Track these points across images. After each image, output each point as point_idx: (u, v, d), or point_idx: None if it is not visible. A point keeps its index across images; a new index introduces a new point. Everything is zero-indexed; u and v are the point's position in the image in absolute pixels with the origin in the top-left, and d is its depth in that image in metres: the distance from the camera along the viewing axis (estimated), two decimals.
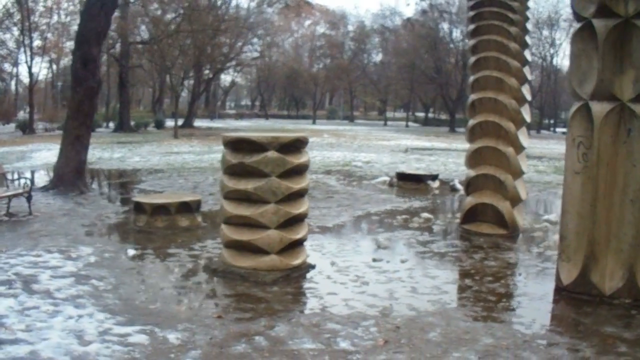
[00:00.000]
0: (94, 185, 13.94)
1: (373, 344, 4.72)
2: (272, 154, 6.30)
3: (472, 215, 9.41)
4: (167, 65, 32.40)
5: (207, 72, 43.05)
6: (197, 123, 46.04)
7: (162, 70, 37.72)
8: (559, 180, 14.35)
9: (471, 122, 9.44)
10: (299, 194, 6.65)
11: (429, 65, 53.49)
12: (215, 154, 22.12)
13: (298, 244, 6.74)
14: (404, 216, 10.41)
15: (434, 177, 14.82)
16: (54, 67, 57.34)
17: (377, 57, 68.15)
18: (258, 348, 4.57)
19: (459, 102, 55.07)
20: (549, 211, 11.99)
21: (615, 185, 5.97)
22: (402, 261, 7.38)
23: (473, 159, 9.40)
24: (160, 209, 8.72)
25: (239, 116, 70.06)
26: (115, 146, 25.36)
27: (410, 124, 62.20)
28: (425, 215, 10.37)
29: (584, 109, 6.05)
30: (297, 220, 6.67)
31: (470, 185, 9.44)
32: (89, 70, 11.84)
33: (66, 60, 54.44)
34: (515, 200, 9.31)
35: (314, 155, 22.20)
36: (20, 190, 9.99)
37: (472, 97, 9.44)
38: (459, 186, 14.09)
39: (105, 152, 21.89)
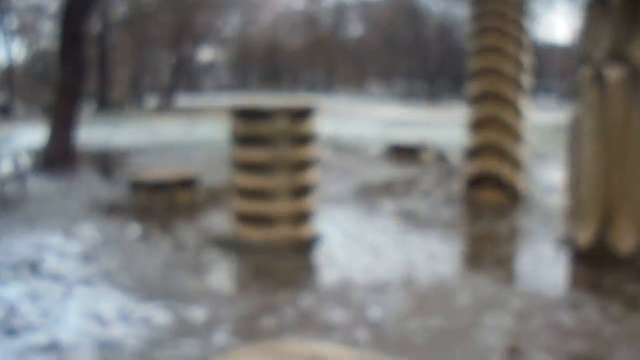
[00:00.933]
0: (85, 165, 13.53)
1: (404, 311, 4.58)
2: (282, 122, 6.06)
3: (474, 182, 9.27)
4: (150, 43, 31.64)
5: (187, 49, 42.22)
6: (178, 99, 45.29)
7: (144, 47, 36.92)
8: (547, 149, 14.34)
9: (473, 89, 9.26)
10: (310, 163, 6.44)
11: (409, 37, 53.18)
12: (203, 129, 21.74)
13: (309, 214, 6.54)
14: (404, 185, 10.27)
15: (425, 148, 14.67)
16: (33, 49, 55.80)
17: (357, 32, 67.55)
18: (288, 320, 4.39)
19: (440, 74, 55.01)
20: (546, 178, 11.92)
21: (629, 148, 5.86)
22: (413, 228, 7.25)
23: (475, 126, 9.23)
24: (160, 186, 8.45)
25: (219, 92, 69.08)
26: (98, 125, 24.78)
27: (390, 96, 61.94)
28: (426, 183, 10.24)
29: (596, 73, 5.91)
30: (308, 190, 6.47)
31: (473, 153, 9.28)
32: (77, 47, 11.39)
33: (45, 42, 53.05)
34: (518, 167, 9.20)
35: None
36: (14, 172, 9.63)
37: (475, 63, 9.25)
38: (449, 156, 13.96)
39: (90, 131, 21.33)
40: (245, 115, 6.18)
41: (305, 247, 6.29)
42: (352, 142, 18.15)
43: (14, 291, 4.95)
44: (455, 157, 14.29)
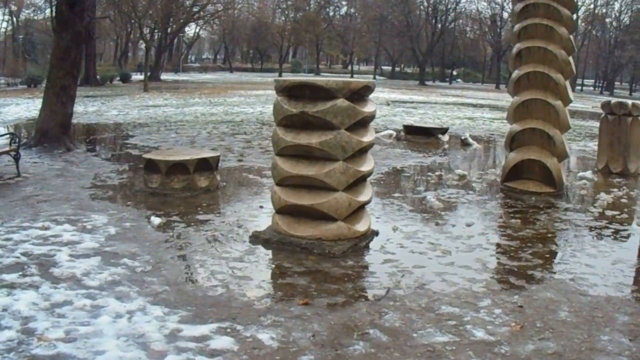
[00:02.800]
0: (81, 141, 12.29)
1: (509, 330, 3.67)
2: (342, 102, 5.03)
3: (515, 172, 8.36)
4: (138, 16, 30.00)
5: (172, 24, 40.50)
6: (163, 76, 43.70)
7: (132, 21, 35.16)
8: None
9: (516, 72, 8.30)
10: (365, 150, 5.43)
11: (398, 18, 52.03)
12: (194, 107, 20.52)
13: (362, 207, 5.55)
14: (437, 172, 9.35)
15: (444, 131, 13.73)
16: (14, 19, 53.41)
17: (344, 10, 66.16)
18: (381, 345, 3.42)
19: (429, 55, 54.06)
20: (574, 167, 11.08)
21: None
22: (468, 224, 6.30)
23: (518, 112, 8.28)
24: (177, 168, 7.35)
25: (203, 69, 67.36)
26: (86, 100, 23.27)
27: (377, 77, 60.87)
28: (459, 171, 9.30)
29: None
30: (362, 180, 5.47)
31: (515, 141, 8.35)
32: (75, 13, 10.10)
33: (27, 13, 50.70)
34: (563, 156, 8.32)
35: None
36: (6, 149, 8.43)
37: (519, 46, 8.28)
38: (471, 140, 13.05)
39: (77, 106, 19.90)
40: (298, 92, 5.12)
41: (361, 247, 5.30)
42: None
43: (24, 301, 3.86)
44: (475, 140, 13.42)
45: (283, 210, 5.35)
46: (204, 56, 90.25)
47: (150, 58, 40.02)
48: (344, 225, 5.23)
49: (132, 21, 31.87)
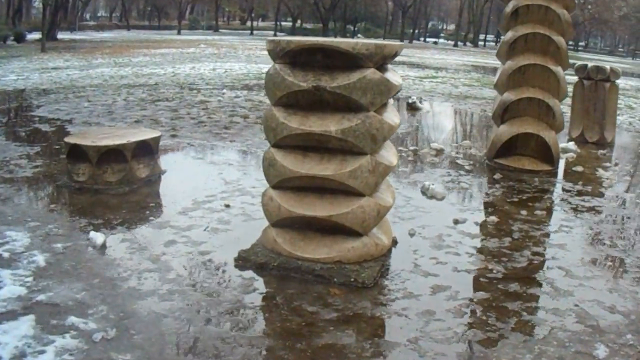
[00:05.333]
0: None
1: None
2: (373, 73, 3.56)
3: (507, 147, 7.27)
4: None
5: None
6: (60, 35, 39.44)
7: None
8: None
9: (512, 34, 7.11)
10: (390, 135, 4.00)
11: None
12: (100, 68, 18.02)
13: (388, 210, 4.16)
14: (411, 147, 8.10)
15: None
16: None
17: None
18: None
19: (332, 10, 52.65)
20: None
21: None
22: (490, 221, 5.11)
23: (513, 79, 7.13)
24: (111, 155, 5.60)
25: (100, 27, 62.07)
26: None
27: (277, 34, 58.83)
28: (435, 145, 8.11)
29: None
30: (387, 174, 4.06)
31: (508, 112, 7.22)
32: None
33: None
34: (560, 128, 7.32)
35: (211, 67, 18.90)
36: None
37: (514, 3, 7.08)
38: (420, 104, 11.90)
39: None
40: (307, 58, 3.58)
41: (389, 265, 3.94)
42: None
43: None
44: (426, 103, 12.35)
45: (283, 223, 3.86)
46: (99, 14, 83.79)
47: (46, 16, 35.79)
48: (370, 240, 3.84)
49: None
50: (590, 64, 9.41)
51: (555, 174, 7.03)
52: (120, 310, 3.18)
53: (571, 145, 8.56)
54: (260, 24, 72.94)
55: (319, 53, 3.54)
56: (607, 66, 9.29)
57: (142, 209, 5.03)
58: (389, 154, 3.91)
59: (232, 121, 9.57)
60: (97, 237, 4.17)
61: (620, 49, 74.01)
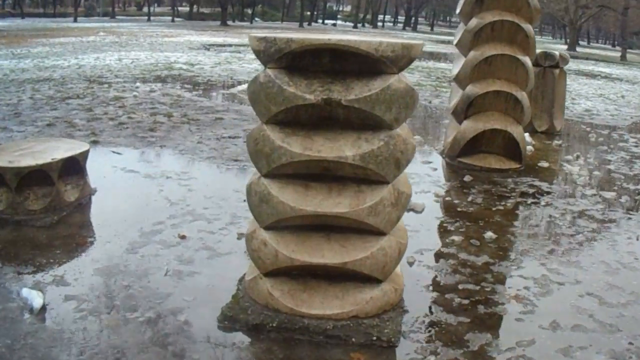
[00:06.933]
0: None
1: None
2: (398, 81, 2.78)
3: (471, 144, 6.76)
4: None
5: None
6: None
7: None
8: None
9: (476, 21, 6.54)
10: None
11: None
12: (3, 60, 15.99)
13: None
14: None
15: None
16: None
17: None
18: None
19: None
20: None
21: None
22: (488, 237, 4.52)
23: (477, 71, 6.59)
24: (32, 177, 4.49)
25: None
26: None
27: (175, 19, 56.53)
28: None
29: None
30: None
31: (472, 106, 6.69)
32: None
33: None
34: (526, 122, 6.90)
35: (116, 57, 17.37)
36: None
37: None
38: None
39: None
40: (311, 62, 2.74)
41: (408, 313, 3.22)
42: (196, 73, 14.52)
43: None
44: None
45: (281, 272, 3.03)
46: None
47: None
48: (389, 287, 3.09)
49: None
50: (538, 51, 9.10)
51: (523, 172, 6.59)
52: None
53: (527, 137, 8.20)
54: (157, 9, 70.04)
55: (327, 55, 2.72)
56: (556, 52, 9.01)
57: (79, 247, 4.00)
58: (405, 180, 3.16)
59: (155, 121, 8.46)
60: (34, 297, 3.14)
61: None
